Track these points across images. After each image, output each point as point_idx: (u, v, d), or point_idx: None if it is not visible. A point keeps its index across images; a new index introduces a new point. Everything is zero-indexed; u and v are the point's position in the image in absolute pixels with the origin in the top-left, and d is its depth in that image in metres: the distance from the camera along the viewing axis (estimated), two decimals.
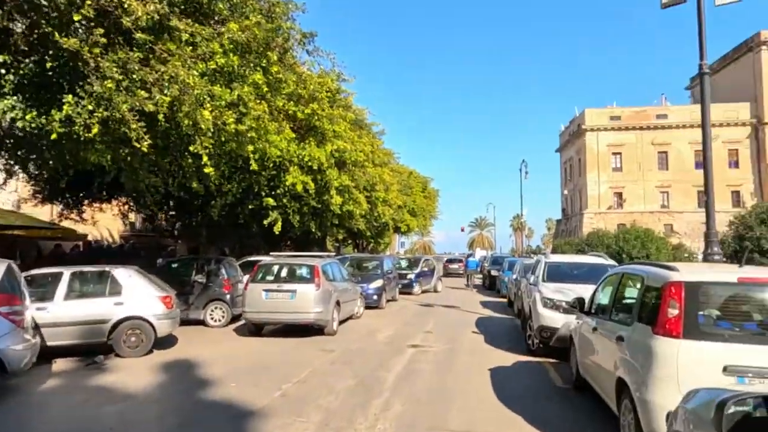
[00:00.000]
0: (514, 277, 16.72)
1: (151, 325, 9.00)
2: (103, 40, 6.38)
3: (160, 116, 7.39)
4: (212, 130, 8.34)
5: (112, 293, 8.99)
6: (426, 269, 24.06)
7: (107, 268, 9.31)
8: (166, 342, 9.75)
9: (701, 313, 4.07)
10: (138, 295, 9.06)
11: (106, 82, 6.44)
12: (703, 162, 9.25)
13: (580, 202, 60.56)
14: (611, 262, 10.74)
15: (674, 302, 4.10)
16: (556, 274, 10.05)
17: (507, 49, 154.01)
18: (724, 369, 3.79)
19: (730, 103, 52.04)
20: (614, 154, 57.46)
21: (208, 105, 8.17)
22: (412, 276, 22.38)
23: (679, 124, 55.55)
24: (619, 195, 57.22)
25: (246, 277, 12.35)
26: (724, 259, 10.63)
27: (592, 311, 6.26)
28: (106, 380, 7.38)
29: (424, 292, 22.89)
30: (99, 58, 6.44)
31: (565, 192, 66.98)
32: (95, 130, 6.64)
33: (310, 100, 14.57)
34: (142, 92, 6.84)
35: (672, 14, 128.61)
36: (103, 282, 9.09)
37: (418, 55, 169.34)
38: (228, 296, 12.58)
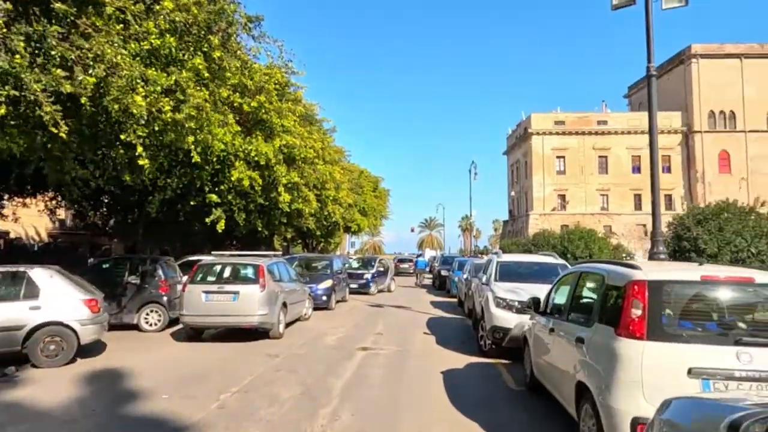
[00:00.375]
0: (465, 276, 16.67)
1: (74, 331, 8.13)
2: (8, 6, 5.57)
3: (83, 99, 6.62)
4: (146, 117, 7.61)
5: (27, 296, 8.04)
6: (381, 269, 24.35)
7: (22, 269, 8.32)
8: (92, 349, 8.88)
9: (665, 313, 3.90)
10: (59, 298, 8.16)
11: (14, 57, 5.64)
12: (650, 164, 9.37)
13: (526, 203, 62.27)
14: (562, 261, 10.78)
15: (638, 302, 3.91)
16: (509, 273, 9.94)
17: (457, 53, 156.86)
18: (689, 371, 3.63)
19: (664, 112, 55.00)
20: (558, 157, 59.48)
21: (141, 89, 7.44)
22: (368, 276, 22.59)
23: (618, 131, 58.22)
24: (563, 197, 59.28)
25: (185, 278, 11.54)
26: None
27: (548, 311, 6.08)
28: (16, 395, 6.51)
29: (379, 291, 23.13)
30: (4, 30, 5.62)
31: (512, 194, 68.70)
32: (2, 111, 5.81)
33: (257, 92, 13.87)
34: (59, 71, 6.06)
35: (614, 25, 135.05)
36: (18, 284, 8.11)
37: (369, 56, 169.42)
38: (165, 298, 11.70)
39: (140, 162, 8.64)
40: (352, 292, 21.28)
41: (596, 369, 4.15)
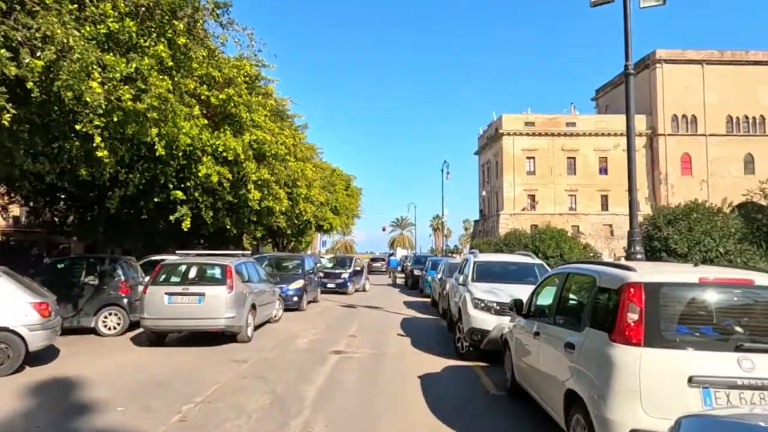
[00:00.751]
0: (439, 276, 16.46)
1: (21, 337, 7.48)
2: None
3: (30, 84, 6.04)
4: (104, 106, 7.04)
5: None
6: (357, 268, 24.19)
7: None
8: (43, 356, 8.23)
9: (663, 317, 3.67)
10: (5, 302, 7.50)
11: None
12: (628, 161, 9.28)
13: (497, 203, 62.86)
14: (539, 261, 10.64)
15: (634, 306, 3.67)
16: (486, 273, 9.70)
17: (429, 54, 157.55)
18: (690, 380, 3.41)
19: None
20: (528, 158, 60.26)
21: (98, 76, 6.88)
22: (346, 276, 22.37)
23: (586, 132, 59.34)
24: (533, 197, 60.09)
25: (147, 279, 10.90)
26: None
27: (531, 314, 5.84)
28: None
29: (356, 291, 22.98)
30: None
31: (483, 193, 69.24)
32: None
33: (226, 85, 13.29)
34: (3, 51, 5.48)
35: (585, 28, 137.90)
36: None
37: (342, 54, 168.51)
38: (125, 300, 11.04)
39: (99, 154, 8.03)
40: (329, 291, 21.01)
41: (589, 377, 3.90)
